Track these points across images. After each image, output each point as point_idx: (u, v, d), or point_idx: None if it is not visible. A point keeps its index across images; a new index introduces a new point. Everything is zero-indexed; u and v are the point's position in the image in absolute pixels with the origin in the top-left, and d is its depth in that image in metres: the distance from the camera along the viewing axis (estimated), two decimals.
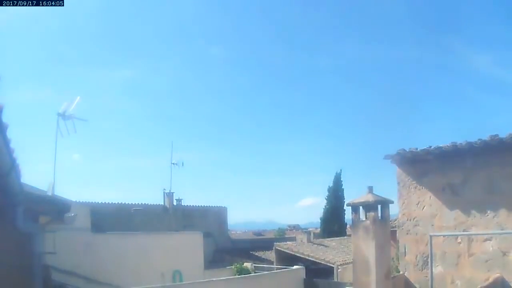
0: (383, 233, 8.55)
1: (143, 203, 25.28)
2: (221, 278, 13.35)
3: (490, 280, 7.80)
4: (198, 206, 28.46)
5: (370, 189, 8.75)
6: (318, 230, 33.21)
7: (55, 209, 7.37)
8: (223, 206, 29.92)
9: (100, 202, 22.86)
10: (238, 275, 15.63)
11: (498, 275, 7.87)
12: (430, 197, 9.20)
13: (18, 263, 4.86)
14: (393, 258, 10.50)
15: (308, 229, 32.25)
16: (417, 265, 9.29)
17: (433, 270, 8.69)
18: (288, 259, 21.54)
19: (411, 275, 9.40)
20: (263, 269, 17.28)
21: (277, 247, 24.15)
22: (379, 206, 8.59)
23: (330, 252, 22.75)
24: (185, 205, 27.31)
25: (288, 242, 26.36)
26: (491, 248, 8.13)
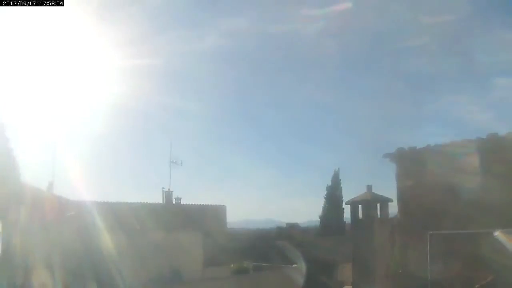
0: (382, 231, 8.58)
1: (142, 201, 25.27)
2: (221, 277, 13.33)
3: (489, 279, 7.83)
4: (197, 204, 28.46)
5: (369, 188, 8.78)
6: (317, 229, 33.21)
7: (54, 208, 7.39)
8: (222, 204, 29.96)
9: (99, 201, 22.81)
10: (238, 274, 15.61)
11: (497, 274, 7.90)
12: (429, 195, 9.20)
13: (17, 262, 4.86)
14: (392, 257, 10.51)
15: (307, 228, 32.18)
16: (417, 263, 9.30)
17: (433, 268, 8.71)
18: (287, 258, 21.51)
19: (410, 273, 9.41)
20: (262, 267, 17.23)
21: (276, 246, 24.15)
22: (378, 205, 8.62)
23: (329, 251, 22.75)
24: (184, 203, 27.29)
25: (287, 241, 26.30)
26: (490, 247, 8.15)
